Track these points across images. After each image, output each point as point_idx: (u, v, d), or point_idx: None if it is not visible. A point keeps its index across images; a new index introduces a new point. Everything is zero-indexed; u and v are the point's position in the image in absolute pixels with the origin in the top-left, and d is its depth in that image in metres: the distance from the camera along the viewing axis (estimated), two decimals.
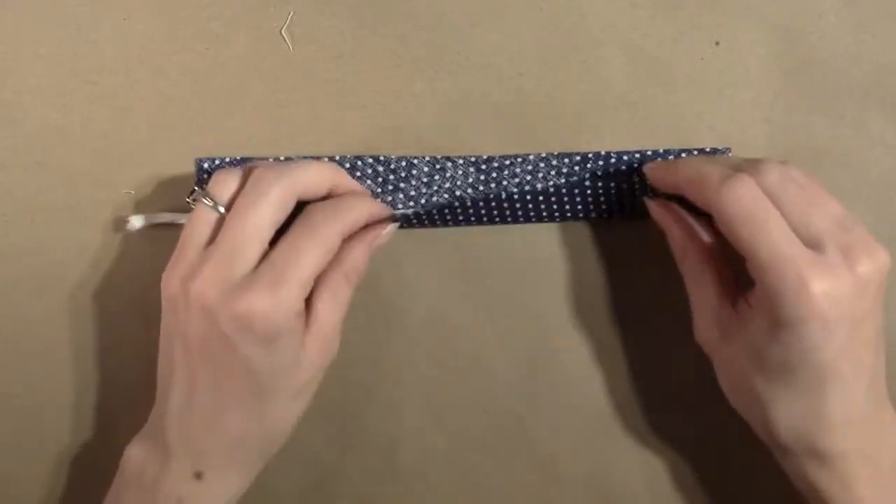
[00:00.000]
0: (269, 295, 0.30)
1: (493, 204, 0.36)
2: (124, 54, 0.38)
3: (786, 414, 0.31)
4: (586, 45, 0.37)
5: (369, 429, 0.38)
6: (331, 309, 0.33)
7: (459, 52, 0.37)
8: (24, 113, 0.38)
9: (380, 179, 0.36)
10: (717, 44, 0.37)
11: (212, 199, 0.32)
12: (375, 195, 0.36)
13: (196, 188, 0.33)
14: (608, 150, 0.36)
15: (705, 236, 0.33)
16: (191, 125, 0.38)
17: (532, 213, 0.37)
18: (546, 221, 0.37)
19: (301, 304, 0.32)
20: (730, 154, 0.36)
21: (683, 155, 0.36)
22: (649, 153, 0.36)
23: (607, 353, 0.37)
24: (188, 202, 0.33)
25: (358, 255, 0.34)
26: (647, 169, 0.35)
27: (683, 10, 0.37)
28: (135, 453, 0.33)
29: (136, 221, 0.36)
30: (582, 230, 0.37)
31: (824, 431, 0.31)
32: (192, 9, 0.38)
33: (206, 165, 0.36)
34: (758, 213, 0.30)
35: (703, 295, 0.33)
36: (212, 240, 0.32)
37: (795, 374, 0.30)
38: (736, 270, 0.32)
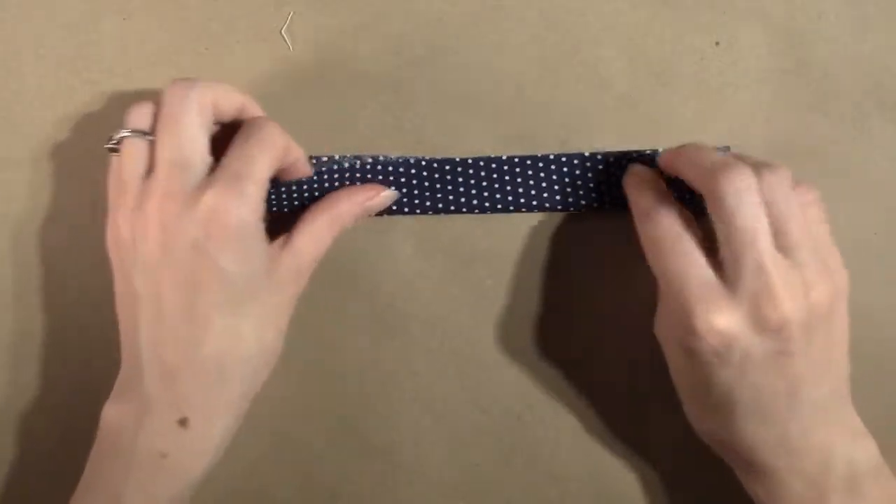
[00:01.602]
0: (232, 190, 0.30)
1: (486, 185, 0.36)
2: (124, 54, 0.38)
3: (708, 426, 0.33)
4: (586, 45, 0.37)
5: (369, 429, 0.38)
6: (309, 242, 0.33)
7: (460, 52, 0.37)
8: (24, 113, 0.38)
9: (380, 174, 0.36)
10: (717, 44, 0.37)
11: (133, 129, 0.32)
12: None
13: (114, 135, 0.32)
14: (608, 150, 0.36)
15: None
16: None
17: (522, 201, 0.37)
18: (536, 210, 0.37)
19: (261, 207, 0.31)
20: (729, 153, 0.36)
21: None
22: (649, 153, 0.36)
23: (608, 352, 0.37)
24: (108, 149, 0.32)
25: (346, 205, 0.34)
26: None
27: (683, 10, 0.37)
28: (111, 413, 0.32)
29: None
30: (582, 231, 0.37)
31: (744, 448, 0.31)
32: (192, 9, 0.38)
33: None
34: (675, 241, 0.31)
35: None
36: (150, 170, 0.31)
37: (702, 391, 0.31)
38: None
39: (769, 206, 0.30)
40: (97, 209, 0.38)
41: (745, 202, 0.29)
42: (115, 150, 0.32)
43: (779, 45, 0.37)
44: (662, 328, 0.33)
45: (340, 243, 0.37)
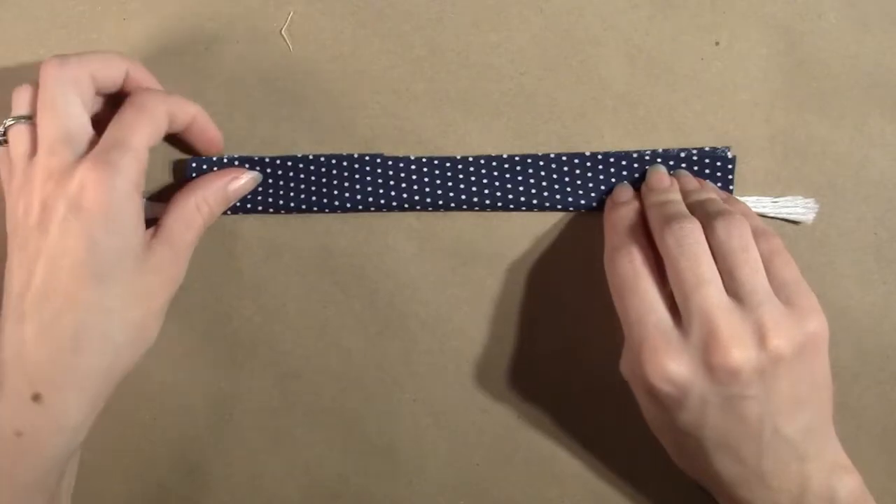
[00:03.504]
0: (103, 162, 0.30)
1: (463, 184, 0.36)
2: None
3: (683, 463, 0.33)
4: (586, 45, 0.37)
5: (369, 429, 0.38)
6: (180, 226, 0.33)
7: (459, 52, 0.37)
8: None
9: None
10: (717, 44, 0.37)
11: (15, 116, 0.33)
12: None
13: None
14: (608, 150, 0.36)
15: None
16: None
17: (511, 200, 0.36)
18: (536, 210, 0.37)
19: (139, 178, 0.31)
20: (728, 153, 0.36)
21: (682, 155, 0.36)
22: (648, 153, 0.36)
23: (608, 351, 0.37)
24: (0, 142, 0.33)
25: (211, 187, 0.34)
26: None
27: (683, 10, 0.37)
28: None
29: None
30: (582, 230, 0.37)
31: (722, 482, 0.31)
32: (192, 9, 0.38)
33: (194, 165, 0.37)
34: (635, 282, 0.31)
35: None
36: (34, 150, 0.32)
37: (670, 431, 0.32)
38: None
39: (720, 255, 0.30)
40: None
41: (687, 251, 0.30)
42: (4, 142, 0.33)
43: (779, 45, 0.37)
44: (626, 367, 0.33)
45: (341, 243, 0.37)
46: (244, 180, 0.36)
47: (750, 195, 0.36)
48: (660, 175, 0.35)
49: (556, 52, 0.37)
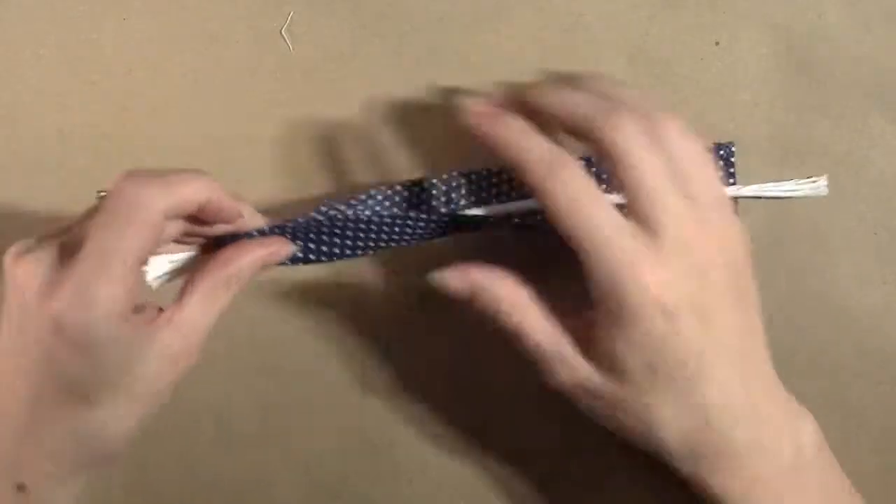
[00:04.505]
0: (81, 297, 0.26)
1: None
2: (124, 54, 0.38)
3: (669, 422, 0.29)
4: (586, 45, 0.37)
5: (369, 429, 0.38)
6: (201, 311, 0.29)
7: (459, 52, 0.37)
8: (24, 113, 0.38)
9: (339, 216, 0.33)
10: (717, 44, 0.37)
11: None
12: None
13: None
14: None
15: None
16: (191, 125, 0.38)
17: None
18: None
19: (126, 302, 0.27)
20: (732, 148, 0.35)
21: None
22: None
23: None
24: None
25: (246, 263, 0.30)
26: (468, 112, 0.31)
27: (683, 10, 0.37)
28: None
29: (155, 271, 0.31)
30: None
31: (710, 428, 0.29)
32: (192, 9, 0.38)
33: None
34: (582, 203, 0.28)
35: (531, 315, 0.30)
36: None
37: (659, 374, 0.28)
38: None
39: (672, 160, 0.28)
40: None
41: (635, 154, 0.28)
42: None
43: (779, 45, 0.37)
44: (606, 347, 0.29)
45: None
46: (284, 256, 0.31)
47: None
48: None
49: (556, 52, 0.37)
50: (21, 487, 0.29)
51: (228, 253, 0.30)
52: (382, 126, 0.38)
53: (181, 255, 0.32)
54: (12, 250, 0.29)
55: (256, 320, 0.38)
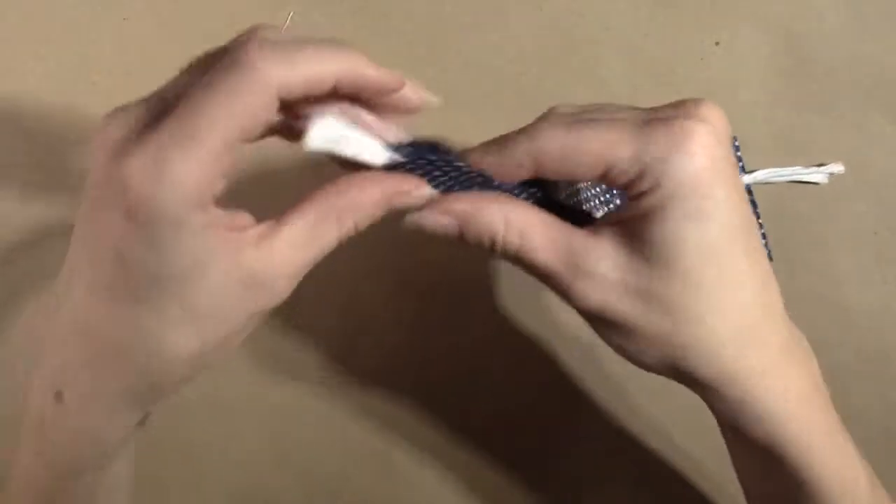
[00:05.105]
0: (154, 164, 0.21)
1: None
2: (124, 54, 0.38)
3: (724, 309, 0.25)
4: (586, 45, 0.37)
5: (369, 429, 0.38)
6: (301, 242, 0.24)
7: (459, 52, 0.37)
8: (24, 113, 0.38)
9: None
10: (717, 44, 0.37)
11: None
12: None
13: None
14: None
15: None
16: None
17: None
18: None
19: (207, 187, 0.22)
20: (736, 142, 0.35)
21: None
22: None
23: (604, 349, 0.37)
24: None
25: (366, 199, 0.24)
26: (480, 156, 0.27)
27: (683, 10, 0.37)
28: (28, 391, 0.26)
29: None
30: None
31: (761, 323, 0.25)
32: (192, 9, 0.38)
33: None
34: (569, 141, 0.25)
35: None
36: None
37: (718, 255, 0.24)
38: None
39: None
40: None
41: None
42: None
43: (779, 45, 0.37)
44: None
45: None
46: (416, 199, 0.25)
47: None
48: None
49: (556, 52, 0.37)
50: (59, 396, 0.25)
51: (349, 181, 0.24)
52: None
53: (363, 136, 0.26)
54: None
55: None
